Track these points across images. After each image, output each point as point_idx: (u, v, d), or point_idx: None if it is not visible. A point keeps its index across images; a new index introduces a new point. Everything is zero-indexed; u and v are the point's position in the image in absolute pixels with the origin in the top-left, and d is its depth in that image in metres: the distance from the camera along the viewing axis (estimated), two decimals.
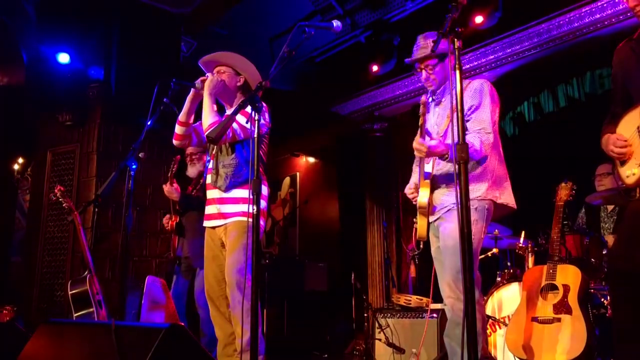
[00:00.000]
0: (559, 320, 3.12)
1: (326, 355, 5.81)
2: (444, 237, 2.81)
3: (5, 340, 3.08)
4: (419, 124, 2.68)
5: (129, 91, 5.38)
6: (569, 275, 3.24)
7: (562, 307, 3.15)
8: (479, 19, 5.23)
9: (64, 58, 5.37)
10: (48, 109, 5.73)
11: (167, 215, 4.63)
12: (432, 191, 2.83)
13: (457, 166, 2.08)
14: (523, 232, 4.28)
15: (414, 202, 2.94)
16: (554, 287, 3.25)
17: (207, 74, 3.26)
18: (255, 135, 2.54)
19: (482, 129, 2.74)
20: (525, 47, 5.40)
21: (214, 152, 3.24)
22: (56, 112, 5.67)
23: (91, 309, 3.92)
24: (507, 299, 3.96)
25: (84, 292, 3.94)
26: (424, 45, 2.89)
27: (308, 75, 7.07)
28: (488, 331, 3.88)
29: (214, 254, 3.21)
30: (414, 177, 3.09)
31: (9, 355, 2.68)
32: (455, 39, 2.17)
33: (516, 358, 3.28)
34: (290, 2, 6.03)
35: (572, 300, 3.15)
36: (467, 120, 2.74)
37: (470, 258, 1.99)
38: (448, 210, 2.81)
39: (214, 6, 5.90)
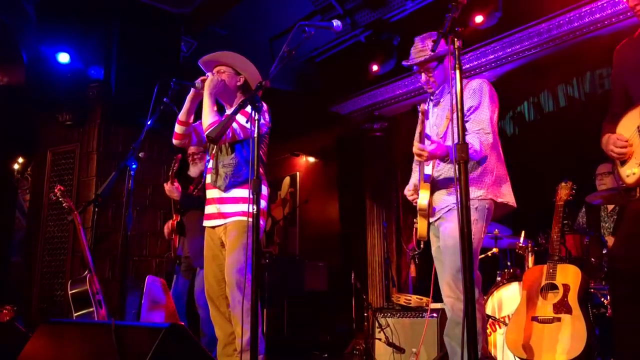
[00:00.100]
0: (559, 319, 3.12)
1: (326, 355, 5.81)
2: (444, 237, 2.81)
3: (5, 340, 3.09)
4: (418, 130, 2.68)
5: (129, 91, 5.37)
6: (569, 275, 3.24)
7: (562, 306, 3.15)
8: (479, 19, 5.23)
9: (64, 58, 5.38)
10: (48, 109, 5.73)
11: (168, 223, 4.63)
12: (432, 193, 2.83)
13: (457, 166, 2.08)
14: (523, 232, 4.28)
15: (413, 204, 2.95)
16: (554, 287, 3.25)
17: (207, 73, 3.26)
18: (255, 135, 2.54)
19: (481, 130, 2.74)
20: (525, 46, 5.40)
21: (213, 152, 3.24)
22: (56, 112, 5.67)
23: (91, 309, 3.92)
24: (507, 299, 3.96)
25: (84, 291, 3.94)
26: (421, 47, 2.88)
27: (308, 75, 7.07)
28: (488, 331, 3.88)
29: (214, 254, 3.22)
30: (414, 178, 3.09)
31: (9, 355, 2.68)
32: (456, 39, 2.17)
33: (516, 358, 3.29)
34: (290, 2, 6.02)
35: (572, 299, 3.15)
36: (466, 121, 2.74)
37: (470, 258, 1.99)
38: (449, 210, 2.81)
39: (214, 6, 5.89)
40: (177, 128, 3.24)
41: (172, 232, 4.58)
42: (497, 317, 3.93)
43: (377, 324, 4.38)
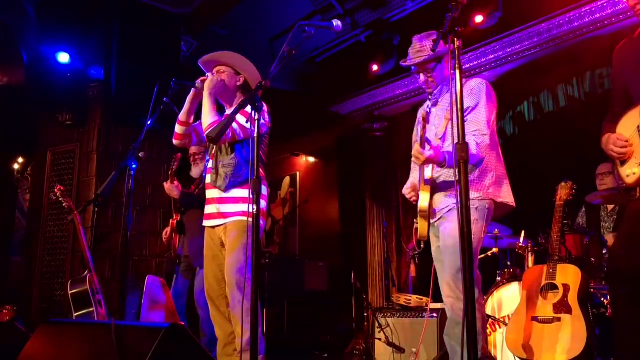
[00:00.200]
0: (559, 319, 3.12)
1: (326, 355, 5.81)
2: (444, 237, 2.81)
3: (5, 340, 3.09)
4: (419, 135, 2.67)
5: (129, 91, 5.37)
6: (569, 275, 3.24)
7: (562, 306, 3.15)
8: (479, 19, 5.23)
9: (64, 58, 5.38)
10: (48, 109, 5.73)
11: (167, 229, 4.64)
12: (432, 195, 2.83)
13: (457, 165, 2.08)
14: (523, 232, 4.28)
15: (411, 202, 2.95)
16: (554, 287, 3.25)
17: (207, 73, 3.26)
18: (255, 135, 2.54)
19: (477, 131, 2.73)
20: (525, 46, 5.40)
21: (213, 152, 3.24)
22: (56, 112, 5.67)
23: (91, 309, 3.92)
24: (507, 299, 3.96)
25: (84, 291, 3.94)
26: (420, 48, 2.88)
27: (308, 75, 7.07)
28: (488, 331, 3.88)
29: (214, 254, 3.22)
30: (412, 177, 3.09)
31: (9, 355, 2.68)
32: (456, 39, 2.17)
33: (516, 357, 3.28)
34: (290, 2, 6.02)
35: (572, 299, 3.15)
36: (464, 122, 2.74)
37: (470, 258, 1.99)
38: (449, 210, 2.81)
39: (214, 6, 5.89)
40: (177, 128, 3.24)
41: (172, 231, 4.58)
42: (497, 317, 3.93)
43: (377, 324, 4.38)
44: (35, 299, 5.57)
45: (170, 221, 4.62)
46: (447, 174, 2.83)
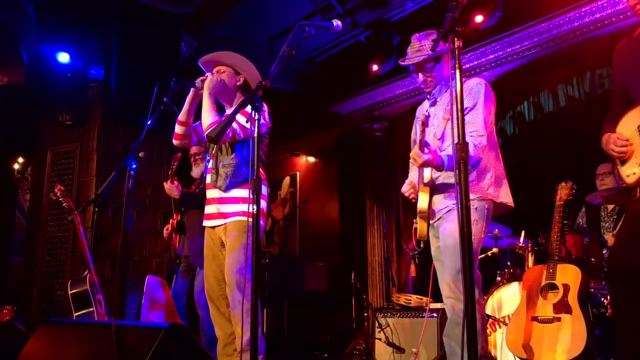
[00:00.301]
0: (559, 319, 3.12)
1: (326, 355, 5.81)
2: (444, 237, 2.81)
3: (5, 340, 3.09)
4: (419, 138, 2.67)
5: (129, 91, 5.37)
6: (569, 275, 3.24)
7: (562, 306, 3.15)
8: (479, 19, 5.23)
9: (64, 58, 5.37)
10: (48, 109, 5.73)
11: (167, 225, 4.63)
12: (431, 196, 2.83)
13: (457, 165, 2.08)
14: (523, 232, 4.28)
15: (410, 199, 2.95)
16: (554, 287, 3.25)
17: (207, 73, 3.26)
18: (255, 135, 2.54)
19: (474, 132, 2.72)
20: (525, 46, 5.40)
21: (213, 152, 3.24)
22: (56, 112, 5.67)
23: (91, 309, 3.92)
24: (507, 299, 3.96)
25: (84, 291, 3.94)
26: (418, 47, 2.87)
27: (308, 75, 7.07)
28: (488, 331, 3.88)
29: (214, 254, 3.22)
30: (411, 175, 3.09)
31: (9, 355, 2.68)
32: (456, 39, 2.16)
33: (516, 357, 3.29)
34: (290, 2, 6.02)
35: (572, 299, 3.15)
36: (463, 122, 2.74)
37: (470, 258, 1.99)
38: (448, 210, 2.81)
39: (214, 6, 5.89)
40: (177, 128, 3.24)
41: (172, 231, 4.58)
42: (497, 317, 3.93)
43: (377, 324, 4.38)
44: (35, 299, 5.57)
45: (170, 221, 4.61)
46: (446, 175, 2.83)
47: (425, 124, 2.68)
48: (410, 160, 2.77)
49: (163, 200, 5.43)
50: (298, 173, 8.28)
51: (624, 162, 2.45)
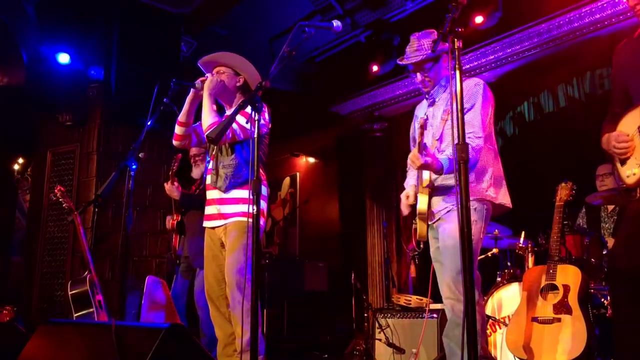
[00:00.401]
0: (559, 320, 3.12)
1: (326, 355, 5.81)
2: (443, 238, 2.81)
3: (5, 340, 3.09)
4: (417, 141, 2.67)
5: (129, 91, 5.37)
6: (569, 276, 3.24)
7: (562, 307, 3.15)
8: (479, 19, 5.23)
9: (64, 58, 5.37)
10: (48, 109, 5.73)
11: (169, 218, 4.64)
12: (430, 197, 2.83)
13: (457, 165, 2.08)
14: (523, 232, 4.28)
15: (402, 214, 2.96)
16: (554, 287, 3.25)
17: (207, 74, 3.26)
18: (255, 136, 2.53)
19: (472, 133, 2.72)
20: (525, 47, 5.40)
21: (213, 153, 3.24)
22: (56, 112, 5.67)
23: (91, 309, 3.92)
24: (507, 299, 3.96)
25: (84, 292, 3.94)
26: (417, 47, 2.87)
27: (308, 75, 7.07)
28: (488, 331, 3.88)
29: (214, 254, 3.22)
30: (408, 183, 3.09)
31: (9, 355, 2.68)
32: (456, 39, 2.16)
33: (516, 358, 3.28)
34: (290, 2, 6.02)
35: (572, 300, 3.15)
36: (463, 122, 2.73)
37: (470, 258, 1.99)
38: (448, 211, 2.80)
39: (214, 6, 5.89)
40: (177, 129, 3.24)
41: (173, 231, 4.58)
42: (497, 317, 3.92)
43: (377, 325, 4.38)
44: (35, 299, 5.57)
45: (171, 221, 4.61)
46: (444, 176, 2.83)
47: (424, 127, 2.68)
48: (409, 162, 2.77)
49: (163, 200, 5.43)
50: (298, 173, 8.28)
51: (623, 162, 2.45)
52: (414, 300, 4.59)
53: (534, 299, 3.27)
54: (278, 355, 5.62)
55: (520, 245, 4.19)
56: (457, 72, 2.14)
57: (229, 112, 3.26)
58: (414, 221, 2.87)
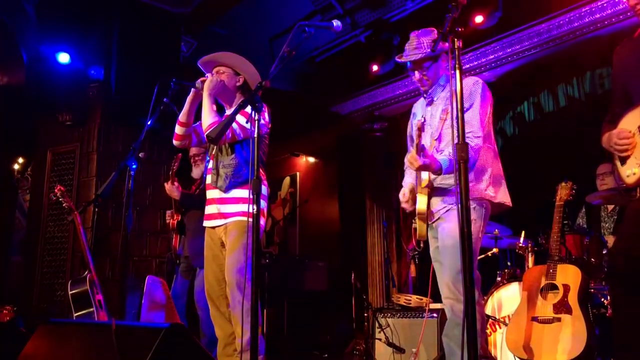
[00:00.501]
0: (559, 320, 3.12)
1: (326, 355, 5.81)
2: (442, 237, 2.81)
3: (5, 340, 3.09)
4: (415, 142, 2.67)
5: (129, 91, 5.37)
6: (569, 275, 3.24)
7: (562, 306, 3.15)
8: (479, 19, 5.23)
9: (64, 58, 5.37)
10: (48, 109, 5.73)
11: (169, 212, 4.63)
12: (430, 197, 2.83)
13: (457, 165, 2.08)
14: (523, 232, 4.28)
15: (406, 212, 2.95)
16: (554, 287, 3.25)
17: (207, 74, 3.26)
18: (255, 135, 2.54)
19: (470, 132, 2.72)
20: (525, 47, 5.40)
21: (213, 153, 3.24)
22: (56, 112, 5.67)
23: (91, 309, 3.92)
24: (507, 299, 3.96)
25: (84, 292, 3.94)
26: (416, 45, 2.86)
27: (308, 75, 7.07)
28: (488, 331, 3.88)
29: (214, 254, 3.22)
30: (407, 182, 3.09)
31: (9, 355, 2.69)
32: (456, 39, 2.16)
33: (516, 358, 3.29)
34: (290, 2, 6.02)
35: (572, 300, 3.15)
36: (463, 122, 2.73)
37: (470, 258, 1.99)
38: (447, 210, 2.80)
39: (214, 6, 5.89)
40: (177, 129, 3.25)
41: (173, 231, 4.58)
42: (497, 317, 3.92)
43: (377, 324, 4.38)
44: (35, 299, 5.57)
45: (171, 220, 4.61)
46: (444, 176, 2.83)
47: (421, 128, 2.68)
48: (406, 163, 2.76)
49: (163, 200, 5.43)
50: (298, 173, 8.28)
51: (623, 162, 2.45)
52: (414, 299, 4.59)
53: (534, 299, 3.27)
54: (278, 355, 5.62)
55: (520, 244, 4.19)
56: (457, 72, 2.14)
57: (229, 112, 3.27)
58: (413, 221, 2.86)
